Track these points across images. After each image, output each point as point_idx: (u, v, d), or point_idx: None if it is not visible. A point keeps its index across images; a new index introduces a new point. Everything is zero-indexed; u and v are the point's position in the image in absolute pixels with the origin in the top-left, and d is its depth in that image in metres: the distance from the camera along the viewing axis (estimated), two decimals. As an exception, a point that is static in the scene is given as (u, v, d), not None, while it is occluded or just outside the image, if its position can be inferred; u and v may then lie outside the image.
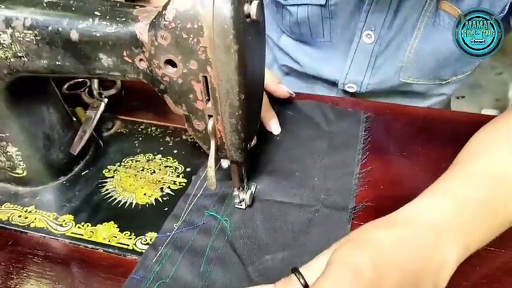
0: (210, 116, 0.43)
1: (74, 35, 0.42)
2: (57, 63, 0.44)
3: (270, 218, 0.52)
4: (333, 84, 0.82)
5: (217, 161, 0.47)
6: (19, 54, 0.44)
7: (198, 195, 0.54)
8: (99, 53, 0.42)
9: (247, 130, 0.45)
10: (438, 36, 0.69)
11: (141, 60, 0.42)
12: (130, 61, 0.42)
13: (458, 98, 1.98)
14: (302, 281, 0.40)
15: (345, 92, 0.81)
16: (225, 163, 0.52)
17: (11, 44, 0.44)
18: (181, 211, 0.52)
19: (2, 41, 0.44)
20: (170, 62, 0.40)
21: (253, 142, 0.58)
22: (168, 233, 0.49)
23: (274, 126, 0.64)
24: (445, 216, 0.42)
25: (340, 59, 0.78)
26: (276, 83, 0.67)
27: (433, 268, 0.39)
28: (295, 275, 0.40)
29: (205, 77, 0.39)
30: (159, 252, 0.47)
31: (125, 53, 0.42)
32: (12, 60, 0.45)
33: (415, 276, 0.38)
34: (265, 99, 0.64)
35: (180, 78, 0.40)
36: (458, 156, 0.50)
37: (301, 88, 0.86)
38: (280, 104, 0.68)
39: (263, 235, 0.50)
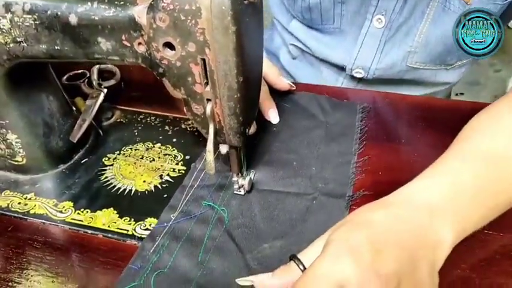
0: (208, 100, 0.43)
1: (73, 19, 0.42)
2: (56, 47, 0.44)
3: (267, 207, 0.52)
4: (341, 69, 0.82)
5: (216, 145, 0.47)
6: (18, 39, 0.45)
7: (195, 186, 0.54)
8: (98, 36, 0.42)
9: (246, 114, 0.45)
10: (448, 21, 0.69)
11: (139, 44, 0.42)
12: (129, 45, 0.42)
13: (457, 94, 1.98)
14: (301, 267, 0.40)
15: (352, 77, 0.82)
16: (223, 148, 0.52)
17: (11, 29, 0.44)
18: (178, 202, 0.52)
19: (1, 26, 0.44)
20: (168, 45, 0.40)
21: (253, 129, 0.58)
22: (166, 224, 0.49)
23: (272, 115, 0.64)
24: (441, 199, 0.42)
25: (349, 45, 0.78)
26: (276, 74, 0.67)
27: (429, 247, 0.39)
28: (294, 261, 0.41)
29: (204, 60, 0.40)
30: (157, 243, 0.47)
31: (123, 37, 0.42)
32: (11, 45, 0.45)
33: (411, 253, 0.38)
34: (265, 88, 0.64)
35: (179, 61, 0.40)
36: (457, 138, 0.50)
37: (309, 72, 0.87)
38: (277, 96, 0.68)
39: (261, 224, 0.50)
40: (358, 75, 0.80)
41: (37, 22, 0.43)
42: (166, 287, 0.44)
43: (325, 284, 0.36)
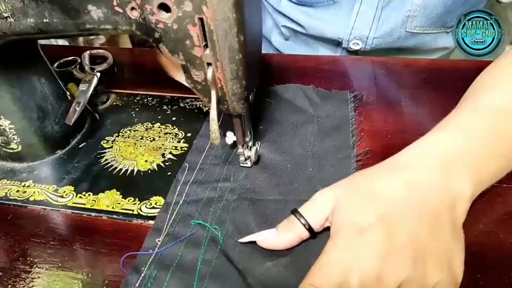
0: (209, 64, 0.41)
1: (61, -13, 0.40)
2: (45, 20, 0.42)
3: (265, 220, 0.45)
4: (337, 44, 0.80)
5: (219, 114, 0.45)
6: (4, 15, 0.42)
7: (180, 202, 0.47)
8: (88, 4, 0.40)
9: (249, 78, 0.43)
10: None
11: (132, 8, 0.40)
12: (122, 11, 0.40)
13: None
14: (303, 221, 0.40)
15: (349, 52, 0.80)
16: (230, 139, 0.48)
17: (-5, 4, 0.42)
18: (163, 223, 0.45)
19: (-15, 2, 0.42)
20: (163, 6, 0.38)
21: None
22: (151, 251, 0.42)
23: None
24: (456, 151, 0.41)
25: (345, 16, 0.76)
26: None
27: (448, 204, 0.38)
28: (295, 215, 0.41)
29: (201, 19, 0.37)
30: (142, 275, 0.40)
31: (115, 3, 0.40)
32: (-3, 22, 0.43)
33: (431, 216, 0.37)
34: None
35: (175, 23, 0.38)
36: (465, 95, 0.49)
37: (303, 52, 0.84)
38: (259, 91, 0.60)
39: None
40: (356, 47, 0.78)
41: (23, -6, 0.41)
42: None
43: (338, 271, 0.35)
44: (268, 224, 0.44)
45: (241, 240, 0.43)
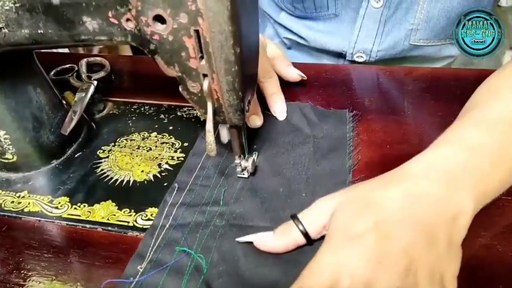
0: (205, 76, 0.41)
1: (55, -2, 0.39)
2: (40, 31, 0.41)
3: (252, 248, 0.42)
4: (339, 55, 0.80)
5: (215, 125, 0.44)
6: (-1, 26, 0.42)
7: (167, 226, 0.45)
8: (83, 16, 0.40)
9: (245, 89, 0.42)
10: None
11: (128, 20, 0.39)
12: (117, 22, 0.40)
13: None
14: (301, 227, 0.40)
15: (353, 62, 0.79)
16: (224, 136, 0.47)
17: (-11, 15, 0.41)
18: (147, 249, 0.43)
19: (-21, 13, 0.41)
20: (159, 18, 0.37)
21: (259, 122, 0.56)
22: (132, 279, 0.40)
23: (279, 111, 0.58)
24: (459, 166, 0.40)
25: (347, 30, 0.75)
26: (286, 65, 0.63)
27: (447, 220, 0.37)
28: (294, 221, 0.41)
29: (197, 31, 0.37)
30: None
31: (110, 14, 0.39)
32: (-9, 33, 0.42)
33: (427, 229, 0.36)
34: (275, 80, 0.59)
35: (171, 34, 0.38)
36: (466, 107, 0.48)
37: (306, 61, 0.84)
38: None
39: (247, 271, 0.41)
40: (360, 60, 0.78)
41: (17, 5, 0.40)
42: None
43: (329, 274, 0.35)
44: (255, 254, 0.42)
45: (238, 239, 0.43)
